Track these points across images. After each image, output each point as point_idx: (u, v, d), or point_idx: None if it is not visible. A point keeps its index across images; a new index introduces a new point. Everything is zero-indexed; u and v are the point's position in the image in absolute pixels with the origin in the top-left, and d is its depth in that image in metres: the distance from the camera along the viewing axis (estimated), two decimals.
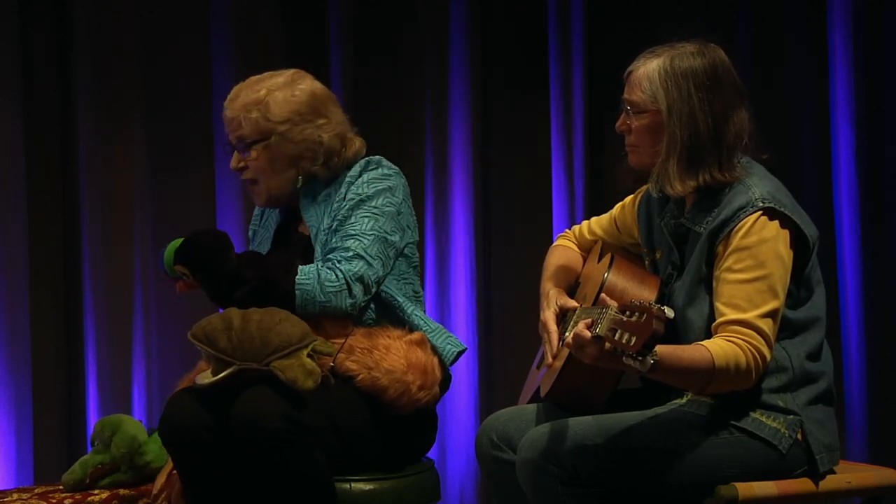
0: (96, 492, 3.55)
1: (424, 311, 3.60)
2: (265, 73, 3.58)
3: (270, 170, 3.52)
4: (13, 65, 4.74)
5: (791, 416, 3.07)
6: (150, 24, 4.85)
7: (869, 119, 4.78)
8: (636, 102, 3.10)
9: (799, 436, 3.08)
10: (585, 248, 3.50)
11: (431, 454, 4.84)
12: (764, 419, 3.06)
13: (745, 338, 3.00)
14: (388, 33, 4.97)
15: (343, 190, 3.50)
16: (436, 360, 3.45)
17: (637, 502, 3.06)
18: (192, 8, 4.88)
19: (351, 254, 3.40)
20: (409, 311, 3.49)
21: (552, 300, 3.31)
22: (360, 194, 3.46)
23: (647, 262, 3.29)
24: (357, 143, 3.58)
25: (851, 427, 4.77)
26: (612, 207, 3.45)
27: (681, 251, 3.18)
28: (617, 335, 2.78)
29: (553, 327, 3.20)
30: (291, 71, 3.58)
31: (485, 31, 4.97)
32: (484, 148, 4.97)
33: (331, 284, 3.37)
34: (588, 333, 2.87)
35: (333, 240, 3.45)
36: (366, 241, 3.41)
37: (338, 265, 3.39)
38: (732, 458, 3.05)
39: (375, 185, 3.48)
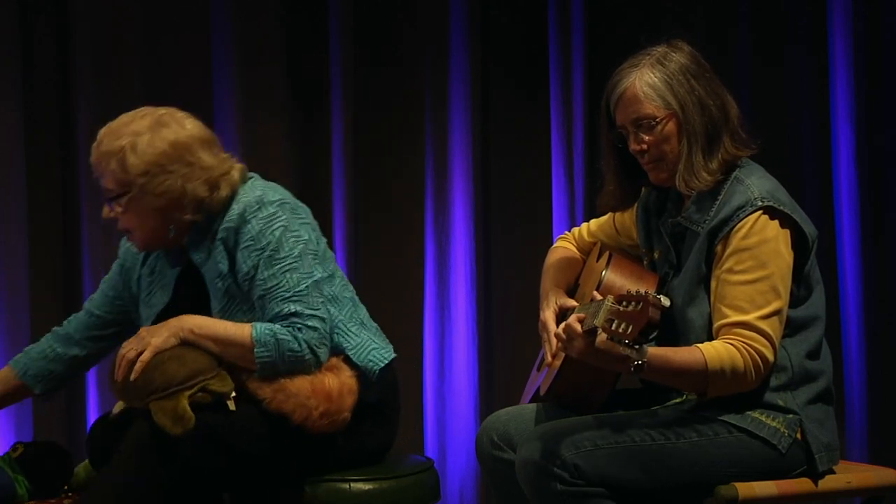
0: None
1: (357, 315, 3.49)
2: (137, 112, 3.41)
3: (139, 222, 3.37)
4: (13, 63, 4.74)
5: (790, 416, 3.08)
6: (151, 22, 4.85)
7: (869, 118, 4.79)
8: (650, 115, 3.10)
9: (798, 435, 3.08)
10: (585, 251, 3.51)
11: (431, 454, 4.86)
12: (763, 418, 3.06)
13: (745, 340, 3.01)
14: (388, 33, 4.97)
15: (223, 235, 3.35)
16: (351, 383, 3.35)
17: (637, 502, 3.06)
18: (193, 7, 4.88)
19: (303, 317, 3.30)
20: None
21: (552, 300, 3.32)
22: (262, 249, 3.32)
23: (645, 263, 3.30)
24: (233, 177, 3.40)
25: (851, 427, 4.77)
26: None
27: (678, 251, 3.18)
28: (614, 325, 2.80)
29: (552, 327, 3.21)
30: (160, 113, 3.40)
31: (485, 31, 4.97)
32: (484, 148, 4.97)
33: (294, 354, 3.30)
34: (579, 326, 2.89)
35: (269, 306, 3.31)
36: (307, 298, 3.31)
37: (299, 334, 3.29)
38: (732, 458, 3.06)
39: (271, 231, 3.33)
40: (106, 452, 3.35)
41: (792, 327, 3.10)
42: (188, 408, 3.22)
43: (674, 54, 3.13)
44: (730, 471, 3.06)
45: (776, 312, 3.03)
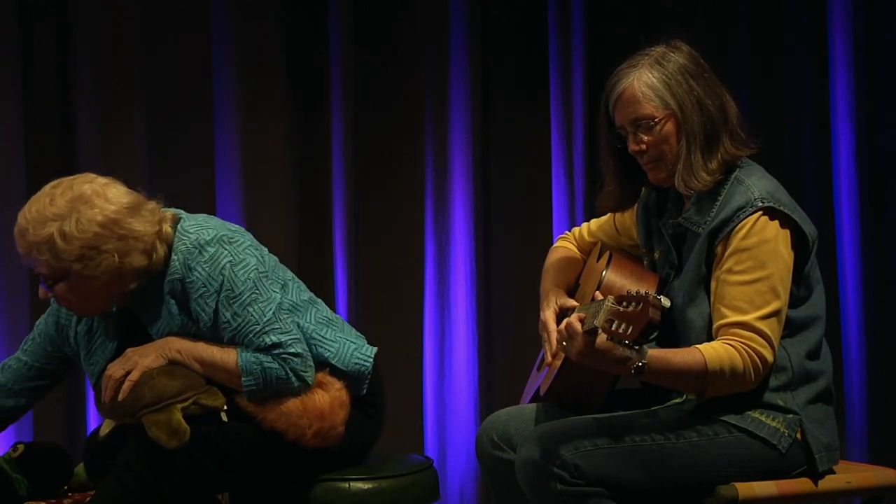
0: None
1: (325, 316, 3.45)
2: (54, 189, 3.26)
3: (79, 300, 3.29)
4: (13, 63, 4.73)
5: (790, 416, 3.08)
6: (151, 22, 4.85)
7: (869, 118, 4.79)
8: (649, 115, 3.10)
9: (798, 435, 3.08)
10: (585, 251, 3.51)
11: (431, 454, 4.86)
12: (763, 418, 3.06)
13: (744, 340, 3.01)
14: (388, 33, 4.97)
15: (170, 288, 3.30)
16: (340, 396, 3.34)
17: (637, 502, 3.06)
18: (193, 7, 4.88)
19: (284, 345, 3.27)
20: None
21: (552, 300, 3.32)
22: (218, 290, 3.27)
23: (645, 263, 3.29)
24: (167, 232, 3.31)
25: (851, 427, 4.77)
26: None
27: (678, 251, 3.18)
28: (614, 325, 2.80)
29: (553, 326, 3.21)
30: (81, 190, 3.25)
31: (485, 31, 4.97)
32: (484, 148, 4.97)
33: (283, 382, 3.28)
34: (579, 325, 2.89)
35: (244, 344, 3.27)
36: (277, 324, 3.28)
37: (286, 364, 3.27)
38: (732, 458, 3.06)
39: (217, 271, 3.28)
40: (103, 468, 3.34)
41: (792, 327, 3.10)
42: (182, 420, 3.21)
43: (672, 54, 3.13)
44: (730, 471, 3.06)
45: (775, 313, 3.03)
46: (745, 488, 3.04)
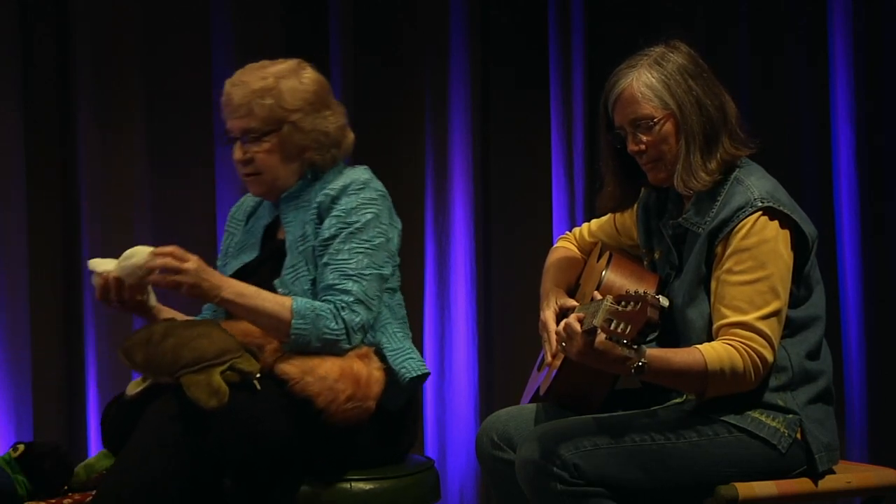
0: (95, 492, 3.56)
1: (405, 328, 3.51)
2: (264, 62, 3.49)
3: (279, 161, 3.44)
4: (13, 63, 4.74)
5: (790, 416, 3.08)
6: (151, 22, 4.85)
7: (869, 118, 4.79)
8: (648, 115, 3.10)
9: (798, 435, 3.08)
10: (586, 251, 3.51)
11: (431, 454, 4.86)
12: (763, 418, 3.06)
13: (744, 340, 3.01)
14: (388, 33, 4.97)
15: (321, 199, 3.41)
16: (378, 374, 3.35)
17: (637, 502, 3.06)
18: (193, 7, 4.88)
19: (352, 298, 3.33)
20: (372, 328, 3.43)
21: (552, 300, 3.32)
22: (349, 223, 3.38)
23: (645, 263, 3.30)
24: (350, 138, 3.53)
25: (851, 427, 4.77)
26: None
27: (679, 251, 3.18)
28: (612, 325, 2.80)
29: (553, 326, 3.21)
30: (293, 61, 3.49)
31: (485, 31, 4.97)
32: (484, 148, 4.97)
33: (330, 332, 3.31)
34: (578, 325, 2.89)
35: (328, 275, 3.35)
36: (365, 283, 3.34)
37: (341, 312, 3.32)
38: (732, 458, 3.06)
39: (364, 212, 3.39)
40: (122, 435, 3.30)
41: (792, 327, 3.10)
42: (222, 381, 3.22)
43: (671, 55, 3.13)
44: (730, 471, 3.06)
45: (775, 313, 3.03)
46: (745, 488, 3.04)
